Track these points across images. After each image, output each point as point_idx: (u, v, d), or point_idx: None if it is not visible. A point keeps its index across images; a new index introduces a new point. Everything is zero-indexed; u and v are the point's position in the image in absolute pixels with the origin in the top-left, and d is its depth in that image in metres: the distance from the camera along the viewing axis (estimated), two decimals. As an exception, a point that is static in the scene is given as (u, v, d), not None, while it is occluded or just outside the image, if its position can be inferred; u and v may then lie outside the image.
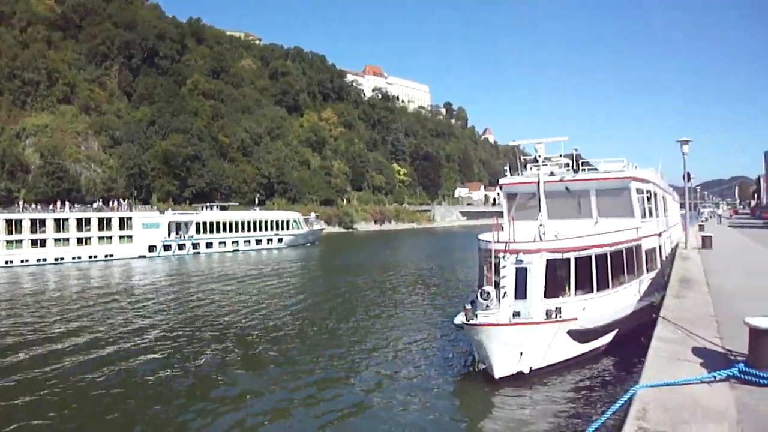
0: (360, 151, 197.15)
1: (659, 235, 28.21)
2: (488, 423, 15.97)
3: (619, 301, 21.77)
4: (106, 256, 75.04)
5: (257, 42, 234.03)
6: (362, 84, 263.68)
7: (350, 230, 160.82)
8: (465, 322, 17.89)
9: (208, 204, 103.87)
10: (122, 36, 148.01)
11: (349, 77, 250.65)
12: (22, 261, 68.36)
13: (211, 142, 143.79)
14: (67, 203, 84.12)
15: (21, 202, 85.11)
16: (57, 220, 73.19)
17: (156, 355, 24.52)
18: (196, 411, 17.76)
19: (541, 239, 20.71)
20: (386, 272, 55.20)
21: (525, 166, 26.80)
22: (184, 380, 21.02)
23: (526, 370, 18.27)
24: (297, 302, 38.07)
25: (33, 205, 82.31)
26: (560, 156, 26.15)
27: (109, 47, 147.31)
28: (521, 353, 18.02)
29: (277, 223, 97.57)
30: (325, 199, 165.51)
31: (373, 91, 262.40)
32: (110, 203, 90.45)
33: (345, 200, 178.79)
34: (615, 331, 20.97)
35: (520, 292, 19.37)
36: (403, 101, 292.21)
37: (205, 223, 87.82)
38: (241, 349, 25.10)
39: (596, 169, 26.23)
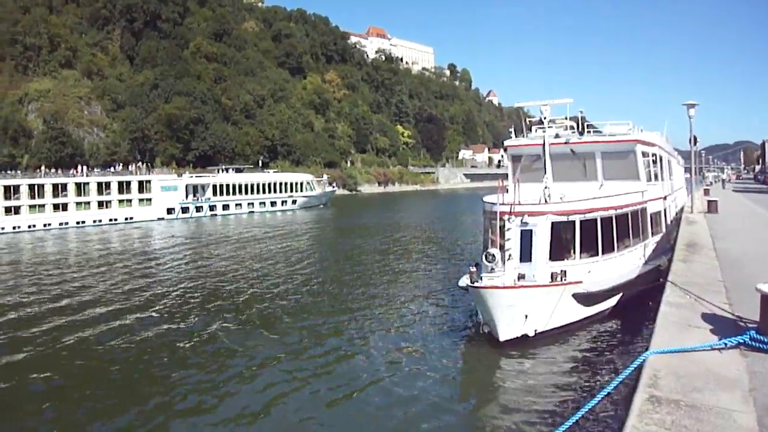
0: (364, 113, 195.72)
1: (664, 198, 28.03)
2: (493, 386, 15.95)
3: (624, 264, 21.65)
4: (126, 218, 76.28)
5: (260, 4, 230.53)
6: (366, 46, 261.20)
7: (354, 192, 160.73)
8: (470, 284, 17.83)
9: (224, 167, 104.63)
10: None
11: (353, 39, 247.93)
12: (44, 225, 69.30)
13: (214, 105, 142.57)
14: (85, 168, 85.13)
15: (42, 168, 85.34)
16: (78, 185, 74.13)
17: (166, 314, 24.98)
18: (196, 365, 18.29)
19: (546, 202, 20.58)
20: (393, 234, 55.36)
21: (530, 129, 26.49)
22: (190, 337, 21.37)
23: (531, 333, 18.25)
24: (307, 264, 38.44)
25: (53, 170, 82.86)
26: (565, 118, 25.74)
27: (110, 11, 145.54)
28: (526, 316, 17.97)
29: (290, 185, 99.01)
30: (329, 161, 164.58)
31: (376, 52, 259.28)
32: (128, 167, 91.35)
33: (349, 162, 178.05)
34: (620, 295, 20.93)
35: (525, 255, 19.27)
36: (407, 63, 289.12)
37: (221, 186, 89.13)
38: (249, 310, 25.37)
39: (601, 132, 25.89)
